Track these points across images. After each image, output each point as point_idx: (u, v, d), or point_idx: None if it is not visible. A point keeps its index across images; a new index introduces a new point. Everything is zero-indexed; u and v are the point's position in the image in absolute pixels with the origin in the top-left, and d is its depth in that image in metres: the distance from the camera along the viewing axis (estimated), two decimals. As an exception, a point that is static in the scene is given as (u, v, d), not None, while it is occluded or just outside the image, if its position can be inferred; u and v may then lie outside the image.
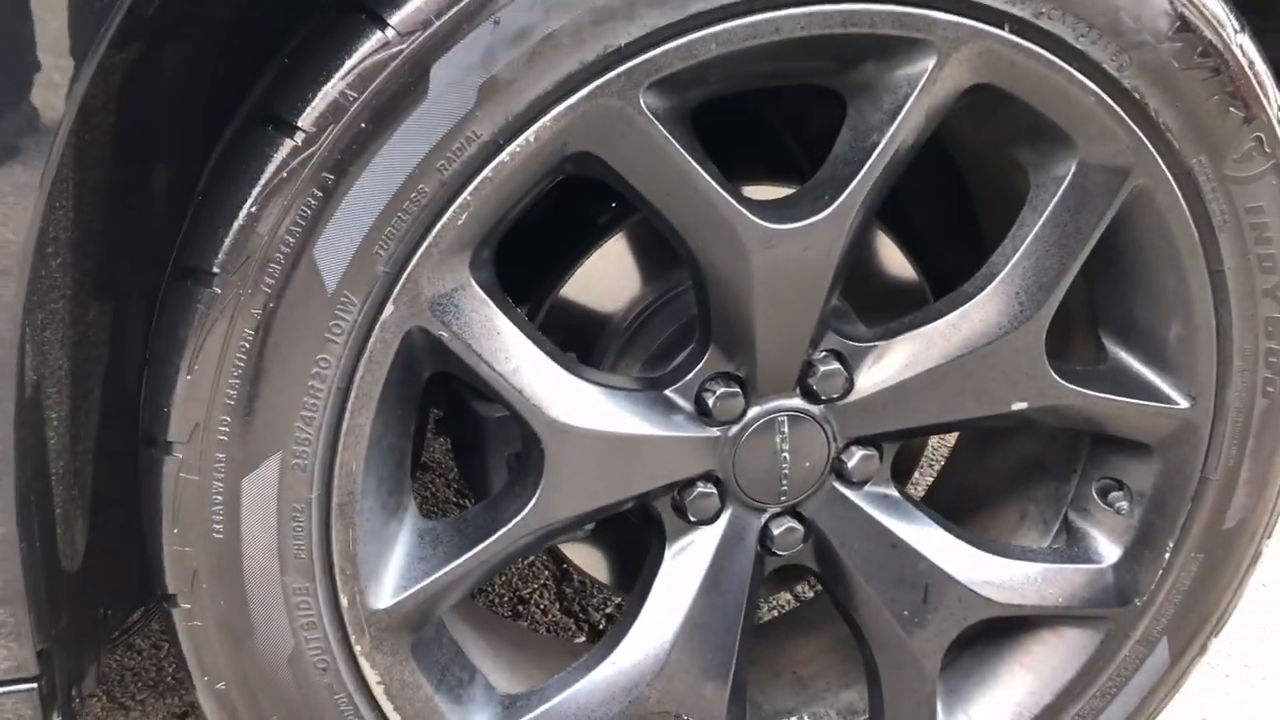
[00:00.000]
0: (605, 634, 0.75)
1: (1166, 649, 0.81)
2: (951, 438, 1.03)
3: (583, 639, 1.16)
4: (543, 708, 0.68)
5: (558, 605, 1.19)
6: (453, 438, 0.79)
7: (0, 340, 0.51)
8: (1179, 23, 0.63)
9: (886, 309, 0.80)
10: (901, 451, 0.80)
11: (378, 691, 0.63)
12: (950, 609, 0.76)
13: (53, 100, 0.48)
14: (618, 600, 1.21)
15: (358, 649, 0.62)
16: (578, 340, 0.75)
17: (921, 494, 1.02)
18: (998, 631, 0.82)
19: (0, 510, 0.55)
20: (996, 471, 0.87)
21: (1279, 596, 1.18)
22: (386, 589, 0.63)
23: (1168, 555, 0.78)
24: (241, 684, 0.61)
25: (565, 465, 0.64)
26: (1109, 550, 0.80)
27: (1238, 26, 0.65)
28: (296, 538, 0.58)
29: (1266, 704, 1.05)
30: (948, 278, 0.77)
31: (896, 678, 0.78)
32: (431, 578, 0.64)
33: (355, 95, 0.52)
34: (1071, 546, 0.82)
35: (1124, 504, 0.79)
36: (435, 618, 0.66)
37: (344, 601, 0.61)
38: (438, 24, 0.52)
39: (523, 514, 0.64)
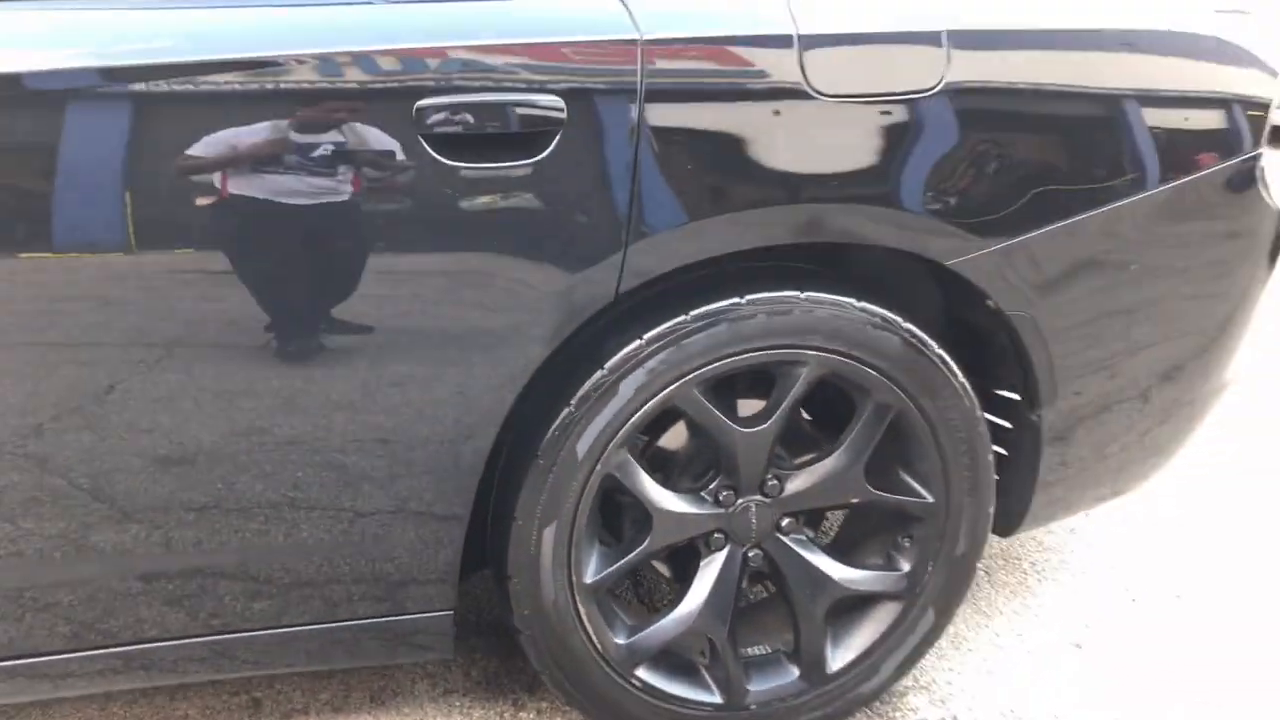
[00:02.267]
0: (671, 600, 1.62)
1: (933, 614, 1.68)
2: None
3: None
4: (649, 629, 1.55)
5: (636, 595, 2.08)
6: (604, 509, 1.67)
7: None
8: (910, 350, 1.52)
9: (805, 446, 1.69)
10: (810, 515, 1.69)
11: (583, 617, 1.50)
12: (830, 591, 1.62)
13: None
14: (668, 594, 2.09)
15: (578, 599, 1.50)
16: (660, 465, 1.65)
17: (831, 539, 1.91)
18: (856, 604, 1.68)
19: (458, 525, 1.44)
20: (862, 532, 1.75)
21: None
22: (589, 575, 1.50)
23: (930, 568, 1.66)
24: (535, 613, 1.49)
25: (661, 526, 1.52)
26: (905, 566, 1.64)
27: (936, 346, 1.54)
28: (560, 554, 1.47)
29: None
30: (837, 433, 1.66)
31: (807, 626, 1.61)
32: (606, 572, 1.51)
33: (586, 406, 1.42)
34: (890, 564, 1.66)
35: (909, 546, 1.67)
36: (604, 590, 1.55)
37: (574, 579, 1.48)
38: (619, 372, 1.41)
39: (643, 546, 1.52)
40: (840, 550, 1.70)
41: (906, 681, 1.81)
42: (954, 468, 1.58)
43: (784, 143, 1.36)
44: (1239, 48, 1.61)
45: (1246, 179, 1.61)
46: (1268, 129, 1.62)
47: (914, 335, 1.50)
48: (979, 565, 2.12)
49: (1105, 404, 1.68)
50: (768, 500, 1.56)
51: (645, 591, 2.07)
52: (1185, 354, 1.71)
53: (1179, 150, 1.55)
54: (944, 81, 1.40)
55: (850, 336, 1.47)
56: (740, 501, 1.55)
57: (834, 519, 1.97)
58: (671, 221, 1.34)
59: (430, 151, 1.24)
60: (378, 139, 1.24)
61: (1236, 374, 1.88)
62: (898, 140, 1.40)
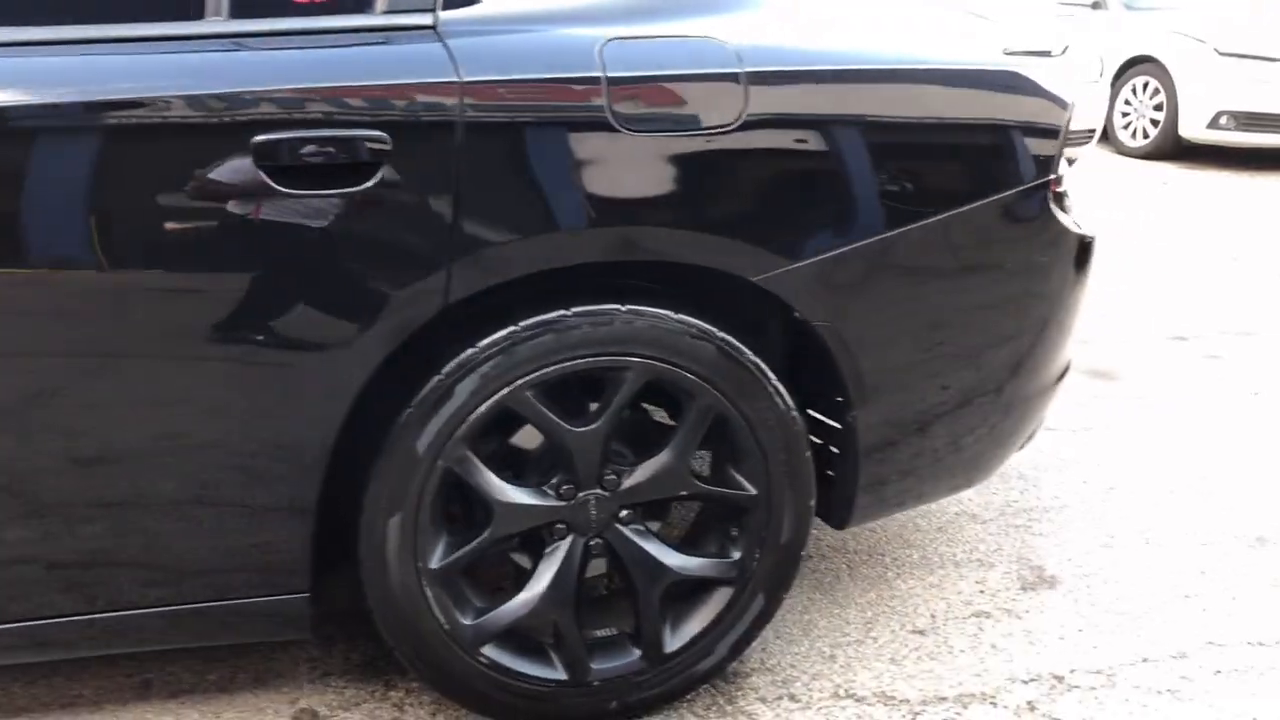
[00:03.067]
0: (519, 585, 1.78)
1: (763, 598, 1.84)
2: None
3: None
4: (495, 611, 1.71)
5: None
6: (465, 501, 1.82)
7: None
8: (725, 358, 1.68)
9: (650, 440, 1.84)
10: (650, 507, 1.85)
11: (430, 599, 1.65)
12: (666, 576, 1.78)
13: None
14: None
15: (424, 582, 1.66)
16: (511, 463, 1.80)
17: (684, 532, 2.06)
18: (693, 589, 1.84)
19: (307, 517, 1.60)
20: (705, 524, 1.90)
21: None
22: (435, 560, 1.66)
23: (758, 555, 1.81)
24: (383, 596, 1.65)
25: (503, 517, 1.68)
26: (736, 554, 1.80)
27: (751, 354, 1.70)
28: (405, 542, 1.63)
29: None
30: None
31: (645, 610, 1.77)
32: (451, 558, 1.67)
33: (424, 407, 1.58)
34: (722, 553, 1.83)
35: (739, 535, 1.83)
36: (455, 573, 1.70)
37: (420, 564, 1.63)
38: (454, 376, 1.58)
39: (484, 535, 1.68)
40: (687, 541, 1.86)
41: (752, 664, 1.97)
42: (773, 463, 1.74)
43: (594, 172, 1.52)
44: (1031, 82, 1.78)
45: (1040, 202, 1.78)
46: (1060, 157, 1.79)
47: (729, 344, 1.67)
48: (841, 560, 2.29)
49: (967, 398, 1.85)
50: (607, 494, 1.72)
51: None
52: (1015, 353, 1.88)
53: (971, 176, 1.72)
54: (744, 116, 1.57)
55: (669, 345, 1.64)
56: (581, 495, 1.71)
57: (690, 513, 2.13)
58: (491, 241, 1.51)
59: (268, 181, 1.41)
60: (222, 170, 1.40)
61: (1066, 370, 2.06)
62: (702, 169, 1.57)
